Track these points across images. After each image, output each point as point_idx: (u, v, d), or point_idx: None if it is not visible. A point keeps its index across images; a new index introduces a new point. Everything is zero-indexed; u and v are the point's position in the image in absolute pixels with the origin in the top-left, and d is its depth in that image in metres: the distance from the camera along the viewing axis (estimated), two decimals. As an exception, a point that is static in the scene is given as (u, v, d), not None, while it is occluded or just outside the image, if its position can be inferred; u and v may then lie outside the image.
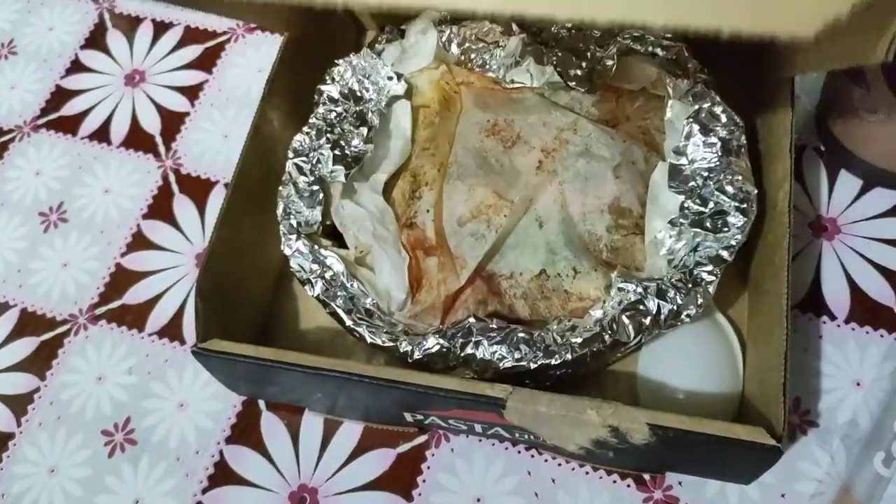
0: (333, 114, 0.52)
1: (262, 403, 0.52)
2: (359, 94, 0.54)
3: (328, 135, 0.51)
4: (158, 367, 0.54)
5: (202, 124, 0.64)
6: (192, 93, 0.66)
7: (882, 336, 0.49)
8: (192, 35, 0.69)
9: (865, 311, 0.50)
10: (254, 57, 0.67)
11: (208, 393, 0.52)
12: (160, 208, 0.61)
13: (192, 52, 0.68)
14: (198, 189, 0.61)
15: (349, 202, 0.50)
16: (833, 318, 0.50)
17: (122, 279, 0.58)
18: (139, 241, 0.59)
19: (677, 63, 0.51)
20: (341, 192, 0.50)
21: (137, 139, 0.64)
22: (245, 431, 0.51)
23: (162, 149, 0.63)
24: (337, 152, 0.50)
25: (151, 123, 0.65)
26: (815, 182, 0.55)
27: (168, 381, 0.53)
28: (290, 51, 0.56)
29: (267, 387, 0.49)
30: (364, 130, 0.51)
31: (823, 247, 0.52)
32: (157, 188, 0.62)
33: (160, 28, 0.70)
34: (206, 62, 0.67)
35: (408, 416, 0.47)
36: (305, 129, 0.52)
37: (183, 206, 0.61)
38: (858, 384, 0.48)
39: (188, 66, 0.67)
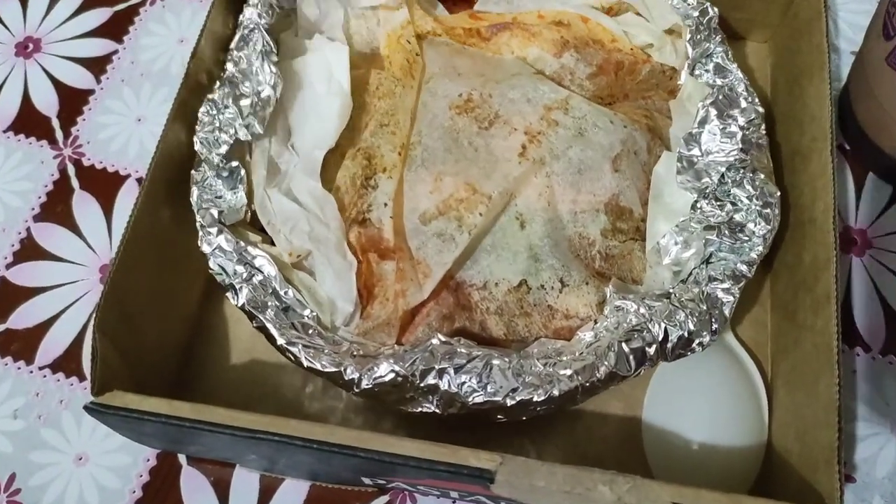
0: (244, 61, 0.42)
1: (182, 456, 0.42)
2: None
3: (241, 87, 0.42)
4: (52, 411, 0.44)
5: (110, 105, 0.54)
6: (97, 66, 0.55)
7: (924, 371, 0.42)
8: (98, -4, 0.58)
9: (904, 342, 0.43)
10: (174, 24, 0.56)
11: (114, 443, 0.42)
12: (56, 208, 0.50)
13: (99, 16, 0.57)
14: (104, 184, 0.51)
15: (277, 193, 0.41)
16: (867, 349, 0.43)
17: (7, 297, 0.47)
18: (29, 250, 0.49)
19: (700, 23, 0.43)
20: (265, 176, 0.41)
21: (30, 122, 0.53)
22: (160, 492, 0.41)
23: (59, 134, 0.53)
24: (245, 103, 0.41)
25: (47, 103, 0.54)
26: (840, 187, 0.47)
27: (63, 429, 0.43)
28: (225, 4, 0.46)
29: (187, 446, 0.39)
30: (271, 64, 0.42)
31: (853, 264, 0.45)
32: (52, 183, 0.51)
33: (60, -14, 0.58)
34: (115, 29, 0.57)
35: (366, 480, 0.38)
36: (216, 87, 0.42)
37: (85, 205, 0.50)
38: (899, 430, 0.41)
39: (94, 33, 0.57)
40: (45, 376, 0.45)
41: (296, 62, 0.44)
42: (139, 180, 0.49)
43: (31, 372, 0.45)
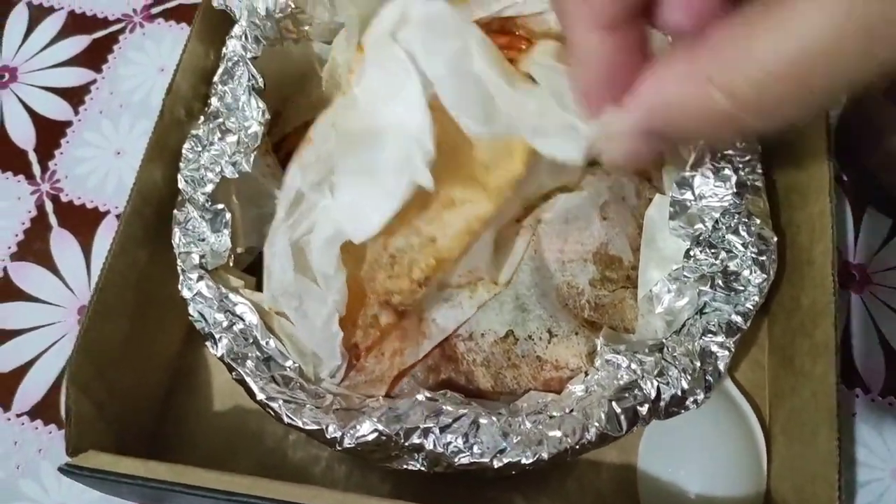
0: (230, 95, 0.41)
1: (164, 507, 0.41)
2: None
3: (226, 122, 0.40)
4: (30, 460, 0.42)
5: (88, 137, 0.52)
6: (76, 97, 0.54)
7: (926, 413, 0.41)
8: (77, 23, 0.56)
9: (906, 382, 0.42)
10: (154, 52, 0.55)
11: (94, 496, 0.41)
12: (33, 246, 0.49)
13: (77, 44, 0.56)
14: (82, 221, 0.49)
15: (284, 240, 0.38)
16: (867, 390, 0.42)
17: (-18, 340, 0.46)
18: (5, 290, 0.47)
19: None
20: (287, 208, 0.39)
21: (5, 156, 0.52)
22: (141, 546, 0.40)
23: (37, 168, 0.51)
24: (231, 139, 0.39)
25: (24, 135, 0.52)
26: (839, 221, 0.46)
27: (42, 479, 0.42)
28: (203, 36, 0.44)
29: (167, 504, 0.38)
30: (258, 99, 0.40)
31: (852, 301, 0.44)
32: (29, 220, 0.49)
33: (38, 13, 0.57)
34: (94, 58, 0.55)
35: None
36: (200, 122, 0.41)
37: (63, 243, 0.48)
38: (901, 475, 0.40)
39: (72, 62, 0.55)
40: (23, 424, 0.43)
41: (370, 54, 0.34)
42: (119, 216, 0.48)
43: (9, 419, 0.43)
